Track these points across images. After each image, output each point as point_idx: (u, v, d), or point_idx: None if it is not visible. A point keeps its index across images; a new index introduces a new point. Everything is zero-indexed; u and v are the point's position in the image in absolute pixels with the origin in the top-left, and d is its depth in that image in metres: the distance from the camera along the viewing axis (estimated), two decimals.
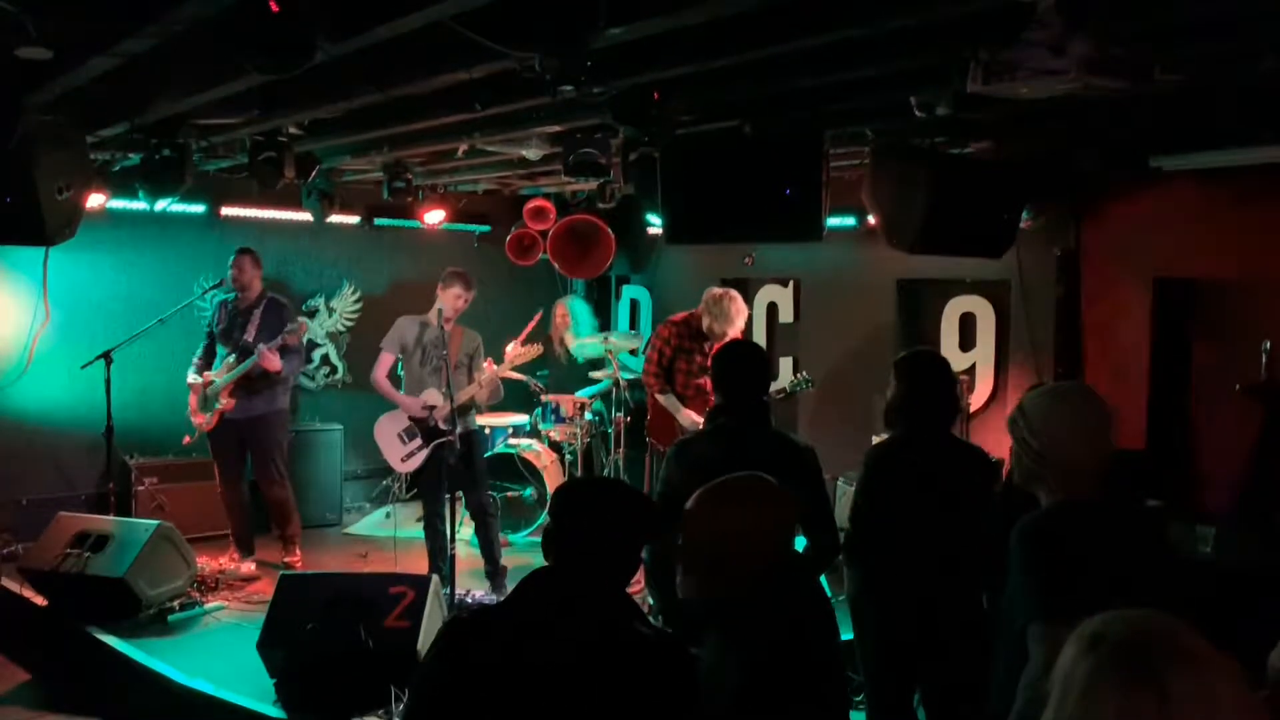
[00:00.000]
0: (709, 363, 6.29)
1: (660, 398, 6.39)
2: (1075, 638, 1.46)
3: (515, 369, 6.78)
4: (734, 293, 6.24)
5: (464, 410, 6.21)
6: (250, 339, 6.69)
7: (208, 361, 6.85)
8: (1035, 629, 2.32)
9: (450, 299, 6.15)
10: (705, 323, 6.23)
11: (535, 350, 6.71)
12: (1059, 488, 2.49)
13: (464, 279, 6.22)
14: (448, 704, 2.11)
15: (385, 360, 6.28)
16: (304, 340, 7.12)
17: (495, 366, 6.38)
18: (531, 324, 7.30)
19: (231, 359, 6.68)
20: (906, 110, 4.32)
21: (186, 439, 6.96)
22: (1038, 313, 6.11)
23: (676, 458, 3.64)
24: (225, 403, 6.65)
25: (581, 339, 8.31)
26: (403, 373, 6.35)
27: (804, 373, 6.68)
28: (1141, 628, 1.42)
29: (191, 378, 6.76)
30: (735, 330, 6.16)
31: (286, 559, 6.87)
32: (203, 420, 6.71)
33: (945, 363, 3.87)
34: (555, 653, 2.07)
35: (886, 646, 3.61)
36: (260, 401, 6.76)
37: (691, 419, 6.19)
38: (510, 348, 6.56)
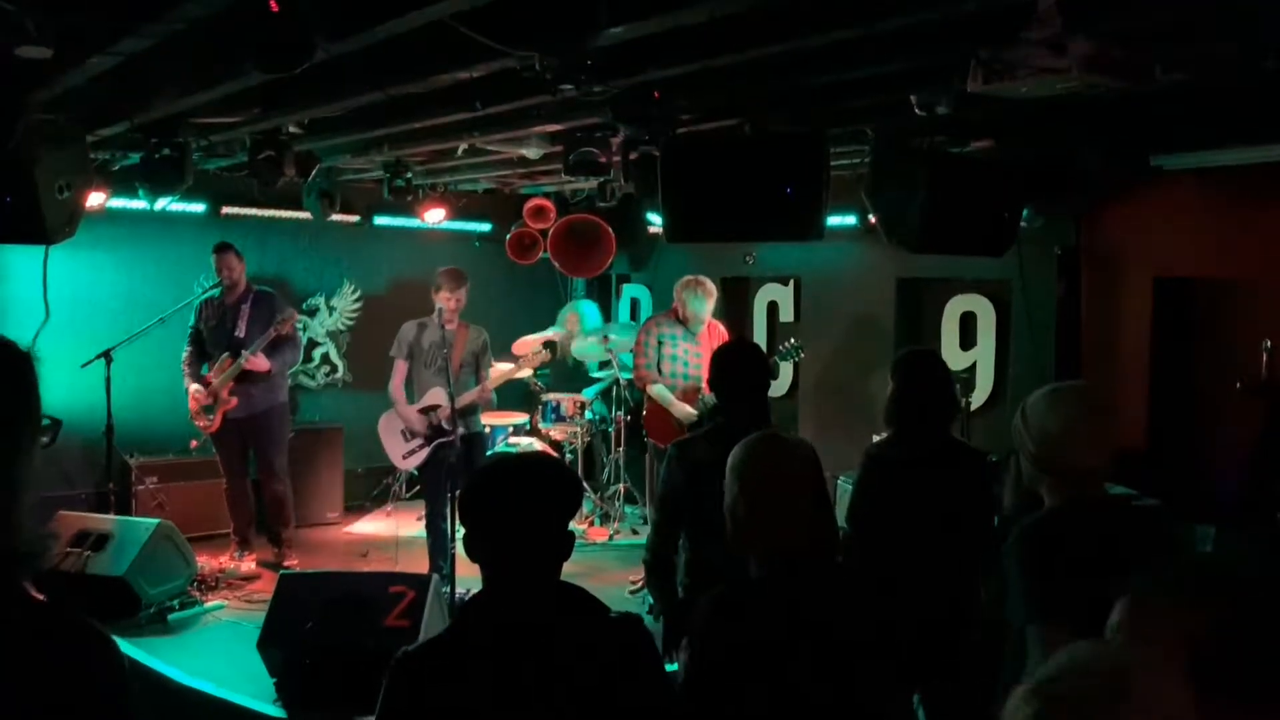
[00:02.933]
0: (696, 349, 6.39)
1: (652, 389, 6.41)
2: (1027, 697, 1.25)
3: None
4: (701, 278, 6.44)
5: (468, 411, 6.21)
6: (242, 334, 6.68)
7: (199, 363, 6.82)
8: (1033, 630, 2.32)
9: (444, 300, 6.15)
10: (682, 311, 6.32)
11: (545, 356, 6.74)
12: (1058, 489, 2.49)
13: (451, 277, 6.20)
14: None
15: (399, 369, 6.29)
16: (297, 327, 7.09)
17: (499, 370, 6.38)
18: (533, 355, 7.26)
19: (225, 356, 6.67)
20: (907, 109, 4.32)
21: (194, 443, 6.97)
22: (1038, 312, 6.11)
23: (677, 458, 3.63)
24: (228, 401, 6.64)
25: (583, 336, 8.30)
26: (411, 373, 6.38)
27: (793, 339, 6.65)
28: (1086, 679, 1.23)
29: (194, 389, 6.72)
30: (707, 310, 6.32)
31: (283, 563, 6.83)
32: (206, 423, 6.71)
33: (941, 362, 3.87)
34: (518, 677, 1.94)
35: None
36: (261, 398, 6.76)
37: (685, 410, 6.22)
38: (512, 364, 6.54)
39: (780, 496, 2.38)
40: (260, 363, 6.61)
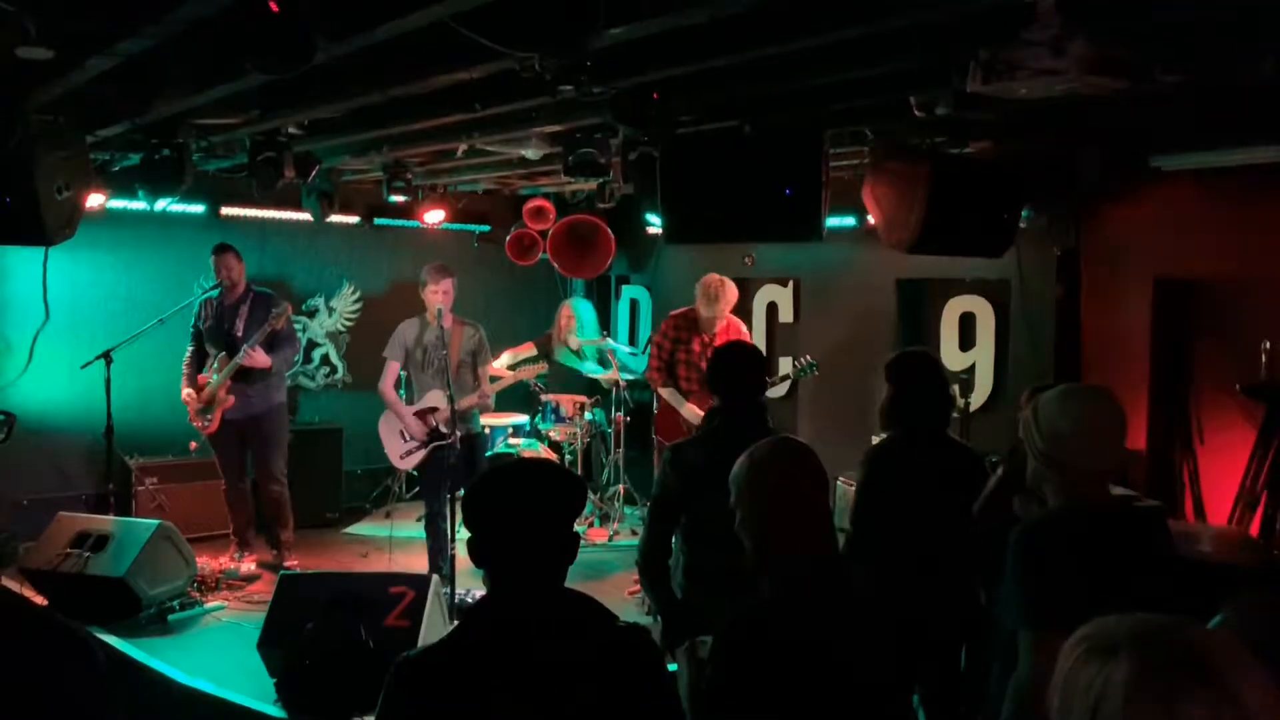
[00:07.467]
0: (709, 353, 6.35)
1: (663, 392, 6.40)
2: (1084, 646, 1.31)
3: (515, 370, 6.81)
4: (718, 277, 6.31)
5: (466, 413, 6.20)
6: (240, 334, 6.68)
7: (198, 364, 6.81)
8: (1025, 635, 2.31)
9: (430, 295, 6.16)
10: (700, 311, 6.28)
11: (540, 367, 6.74)
12: (1062, 490, 2.48)
13: (433, 270, 6.22)
14: None
15: (390, 370, 6.28)
16: (296, 328, 7.07)
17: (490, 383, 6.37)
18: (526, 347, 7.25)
19: (223, 355, 6.66)
20: (906, 110, 4.32)
21: (193, 445, 6.97)
22: (1038, 312, 6.11)
23: (672, 461, 3.63)
24: (225, 400, 6.64)
25: (583, 339, 8.30)
26: (408, 374, 6.37)
27: (807, 356, 6.66)
28: (1176, 632, 1.28)
29: (187, 392, 6.71)
30: (721, 309, 6.22)
31: (284, 564, 6.83)
32: (203, 424, 6.71)
33: (936, 362, 3.86)
34: (521, 683, 1.91)
35: None
36: (259, 398, 6.75)
37: (694, 412, 6.19)
38: (503, 360, 6.53)
39: (798, 508, 2.42)
40: (260, 358, 6.59)
